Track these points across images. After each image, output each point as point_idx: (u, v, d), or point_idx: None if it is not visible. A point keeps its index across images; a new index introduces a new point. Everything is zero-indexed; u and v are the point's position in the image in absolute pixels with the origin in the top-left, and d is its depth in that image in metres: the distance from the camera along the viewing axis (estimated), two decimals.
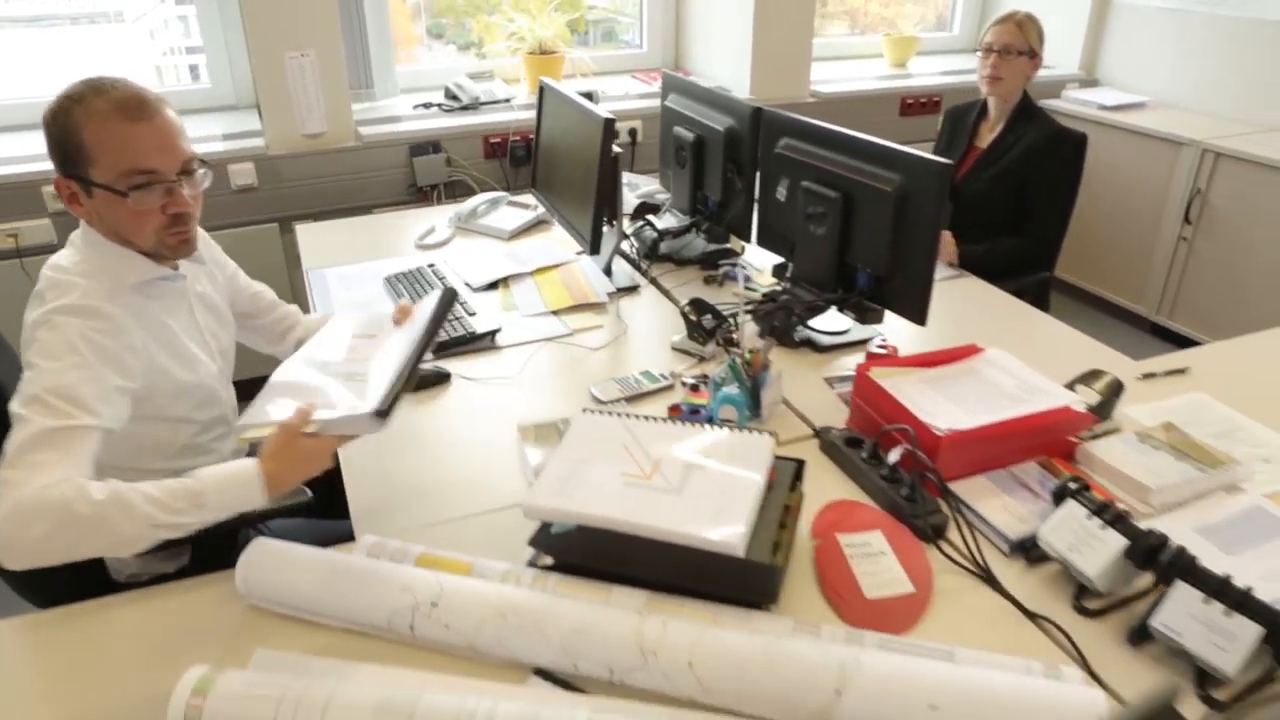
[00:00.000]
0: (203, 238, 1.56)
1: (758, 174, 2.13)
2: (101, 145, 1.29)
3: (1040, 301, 2.54)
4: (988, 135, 2.62)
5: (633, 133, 3.38)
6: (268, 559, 1.22)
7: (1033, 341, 2.08)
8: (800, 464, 1.37)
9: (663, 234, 2.36)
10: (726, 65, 3.71)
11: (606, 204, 2.07)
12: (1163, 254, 3.70)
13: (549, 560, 1.26)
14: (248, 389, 1.43)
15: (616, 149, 2.11)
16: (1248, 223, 3.39)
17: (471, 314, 2.04)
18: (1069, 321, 2.15)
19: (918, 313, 1.82)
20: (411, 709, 1.00)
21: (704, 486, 1.21)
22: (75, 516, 1.11)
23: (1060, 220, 2.57)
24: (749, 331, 1.71)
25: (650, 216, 2.46)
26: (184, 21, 3.34)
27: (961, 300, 2.28)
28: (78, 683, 1.14)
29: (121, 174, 1.31)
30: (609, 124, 1.97)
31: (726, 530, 1.11)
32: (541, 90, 2.47)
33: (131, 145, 1.30)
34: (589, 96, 3.27)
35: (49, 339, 1.25)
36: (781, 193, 2.05)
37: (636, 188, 2.77)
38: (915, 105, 3.90)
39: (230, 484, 1.20)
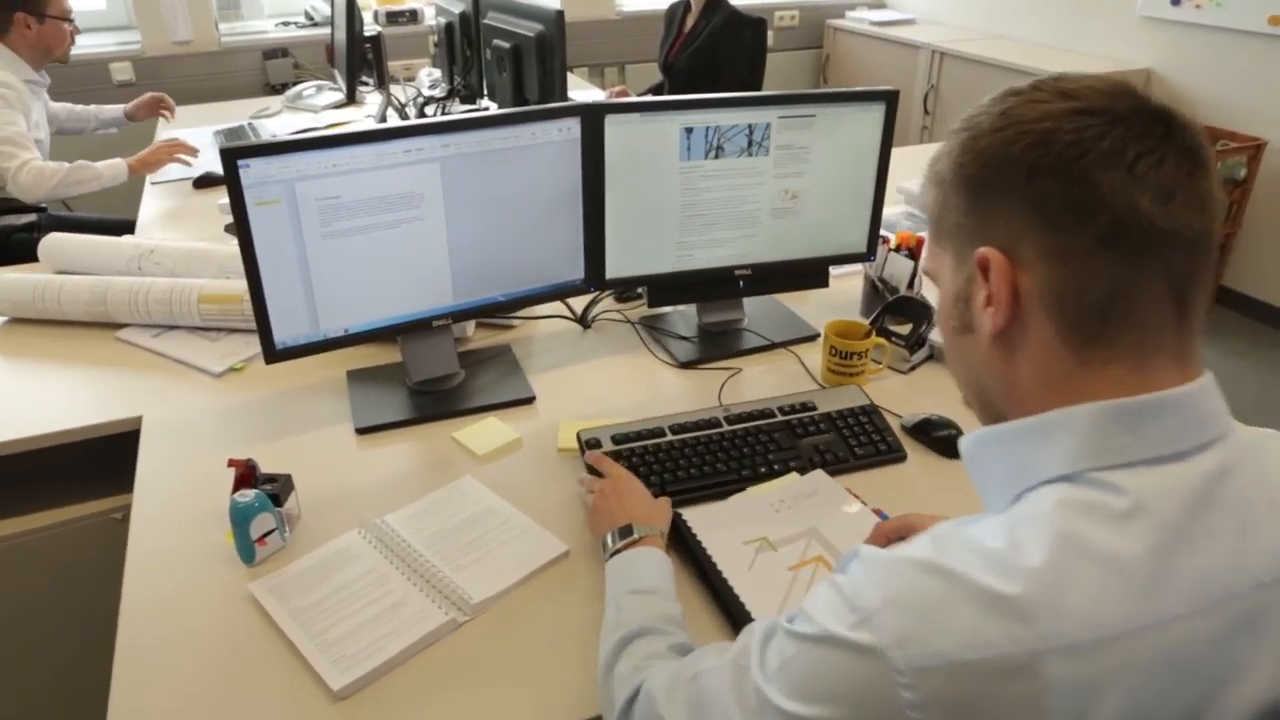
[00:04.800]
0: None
1: (481, 44, 2.88)
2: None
3: None
4: (689, 23, 3.37)
5: None
6: (59, 242, 1.98)
7: None
8: None
9: (428, 99, 3.11)
10: None
11: (359, 66, 2.81)
12: (911, 142, 4.45)
13: None
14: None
15: (376, 29, 2.87)
16: (961, 108, 4.14)
17: None
18: None
19: None
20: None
21: None
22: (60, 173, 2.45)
23: (744, 83, 3.32)
24: None
25: (426, 89, 3.21)
26: None
27: None
28: None
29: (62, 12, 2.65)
30: (350, 4, 2.72)
31: None
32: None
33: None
34: (413, 15, 4.04)
35: None
36: (488, 54, 2.80)
37: (433, 73, 3.51)
38: None
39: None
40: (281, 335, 1.32)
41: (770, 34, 4.16)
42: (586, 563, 1.16)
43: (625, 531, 1.08)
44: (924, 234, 1.87)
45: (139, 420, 1.44)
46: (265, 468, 1.22)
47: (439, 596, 1.08)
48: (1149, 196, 0.61)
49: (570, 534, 1.20)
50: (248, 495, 1.12)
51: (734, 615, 1.04)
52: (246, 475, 1.18)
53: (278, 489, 1.17)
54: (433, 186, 1.33)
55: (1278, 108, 3.36)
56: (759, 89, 3.42)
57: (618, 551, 1.06)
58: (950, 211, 0.71)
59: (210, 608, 1.08)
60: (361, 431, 1.41)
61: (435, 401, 1.47)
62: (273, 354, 1.32)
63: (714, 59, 3.27)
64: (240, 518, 1.11)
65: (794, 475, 1.30)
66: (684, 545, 1.15)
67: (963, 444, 0.74)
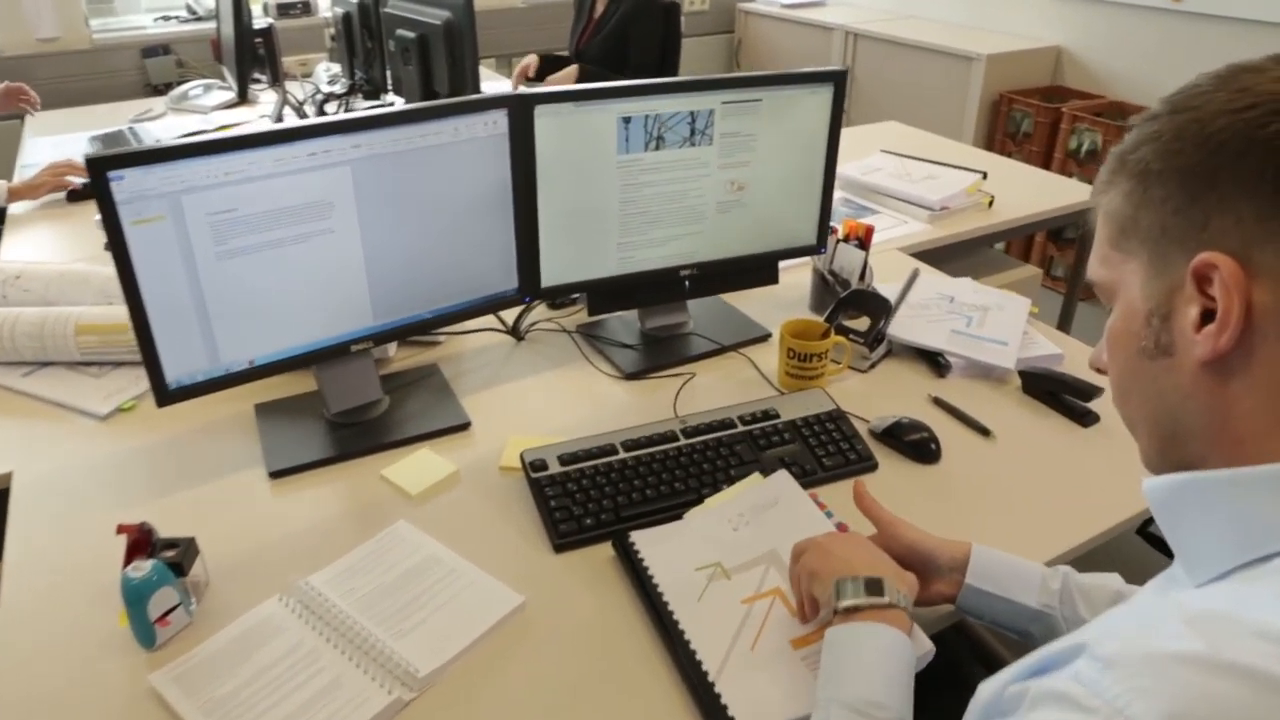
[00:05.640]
0: None
1: (383, 35, 2.68)
2: None
3: None
4: (599, 8, 3.22)
5: None
6: None
7: None
8: None
9: (328, 96, 2.90)
10: None
11: (250, 62, 2.59)
12: None
13: None
14: None
15: (268, 22, 2.64)
16: (883, 91, 4.10)
17: None
18: None
19: None
20: None
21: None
22: None
23: (655, 71, 3.19)
24: None
25: (325, 85, 2.99)
26: None
27: None
28: None
29: None
30: (236, 2, 2.50)
31: None
32: None
33: None
34: (306, 6, 3.80)
35: None
36: (391, 45, 2.60)
37: (330, 69, 3.29)
38: None
39: None
40: (175, 373, 1.14)
41: (681, 20, 4.05)
42: (546, 612, 1.03)
43: (874, 587, 0.85)
44: (875, 221, 1.78)
45: (8, 478, 1.24)
46: (165, 529, 1.04)
47: (380, 671, 0.93)
48: None
49: (524, 580, 1.06)
50: (143, 568, 0.95)
51: (678, 652, 0.94)
52: (141, 542, 1.01)
53: (180, 556, 1.00)
54: (344, 193, 1.16)
55: (1181, 81, 3.39)
56: (675, 70, 3.29)
57: (855, 610, 0.84)
58: (1150, 209, 0.60)
59: (102, 707, 0.91)
60: (276, 475, 1.24)
61: (358, 435, 1.31)
62: (165, 395, 1.14)
63: (626, 45, 3.13)
64: (134, 596, 0.94)
65: (756, 476, 1.19)
66: (631, 572, 1.05)
67: (1154, 488, 0.63)
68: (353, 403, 1.34)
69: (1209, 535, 0.58)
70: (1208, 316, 0.56)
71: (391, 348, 1.51)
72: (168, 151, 1.03)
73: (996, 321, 1.61)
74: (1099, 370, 0.71)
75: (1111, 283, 0.65)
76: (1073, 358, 1.53)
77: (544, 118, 1.28)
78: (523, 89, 2.70)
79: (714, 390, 1.45)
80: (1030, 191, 2.32)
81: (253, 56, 2.89)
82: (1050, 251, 3.56)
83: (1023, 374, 1.46)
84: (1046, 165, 3.47)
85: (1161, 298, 0.60)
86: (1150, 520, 1.25)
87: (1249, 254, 0.54)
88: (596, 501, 1.16)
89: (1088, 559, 1.17)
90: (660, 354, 1.54)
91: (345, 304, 1.23)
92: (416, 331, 1.34)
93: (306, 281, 1.18)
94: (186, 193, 1.06)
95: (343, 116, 1.13)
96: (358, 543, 1.11)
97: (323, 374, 1.31)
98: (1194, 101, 0.59)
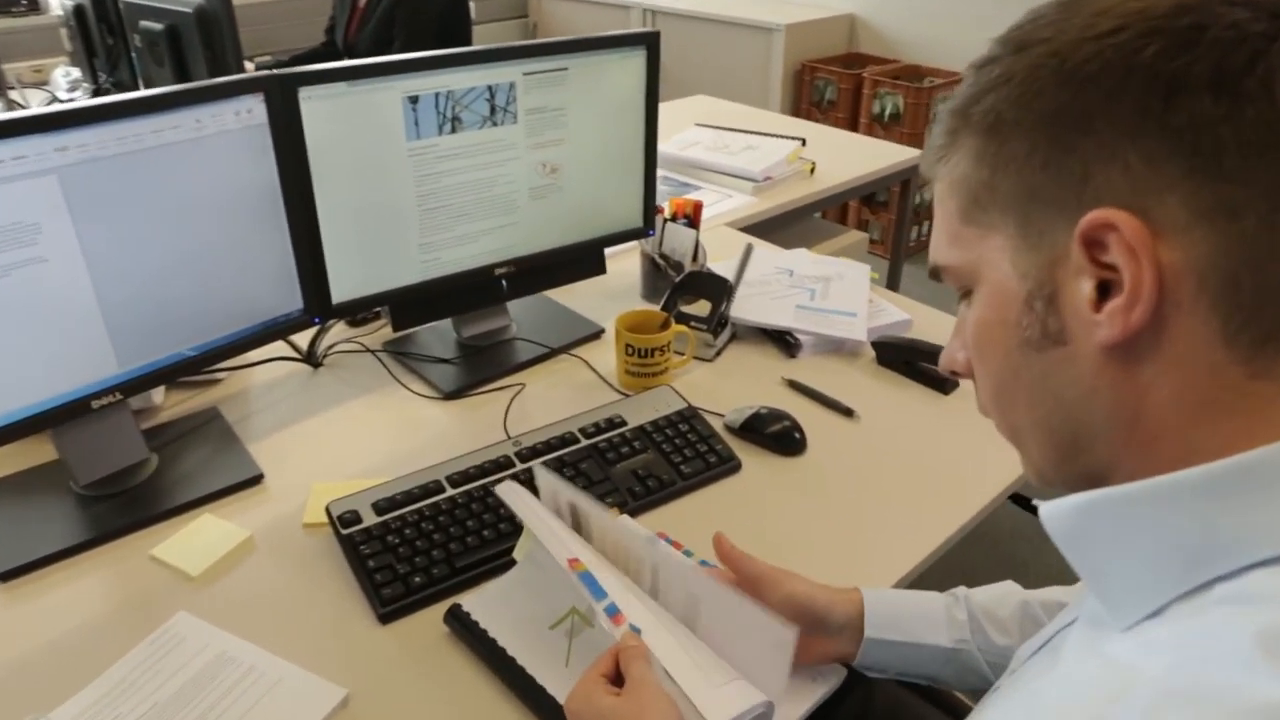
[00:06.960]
0: None
1: (125, 29, 2.33)
2: None
3: None
4: None
5: None
6: None
7: None
8: None
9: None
10: None
11: None
12: None
13: None
14: None
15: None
16: (687, 67, 4.03)
17: None
18: None
19: None
20: None
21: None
22: None
23: None
24: None
25: (64, 93, 2.60)
26: None
27: None
28: None
29: None
30: None
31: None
32: None
33: None
34: (32, 3, 3.32)
35: None
36: (137, 40, 2.26)
37: (70, 73, 2.86)
38: None
39: None
40: None
41: (472, 5, 3.82)
42: (376, 704, 0.83)
43: None
44: (699, 197, 1.66)
45: None
46: None
47: None
48: None
49: (346, 666, 0.86)
50: None
51: None
52: None
53: None
54: (53, 210, 0.91)
55: (978, 42, 3.49)
56: None
57: None
58: (1010, 169, 0.48)
59: None
60: (6, 577, 0.98)
61: (120, 508, 1.06)
62: None
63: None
64: None
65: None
66: (479, 648, 0.88)
67: (1055, 517, 0.50)
68: (109, 468, 1.08)
69: (1133, 565, 0.46)
70: (1103, 289, 0.45)
71: (157, 393, 1.25)
72: None
73: (840, 292, 1.52)
74: (955, 374, 0.59)
75: (969, 265, 0.53)
76: (920, 321, 1.46)
77: (311, 101, 1.06)
78: None
79: (549, 401, 1.29)
80: (847, 156, 2.28)
81: None
82: (865, 216, 3.59)
83: (876, 345, 1.38)
84: (853, 131, 3.49)
85: (1042, 274, 0.48)
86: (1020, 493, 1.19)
87: (1145, 206, 0.43)
88: (424, 554, 0.97)
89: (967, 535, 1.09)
90: (482, 366, 1.35)
91: (76, 350, 0.98)
92: (182, 373, 1.10)
93: (16, 327, 0.92)
94: None
95: (35, 111, 0.88)
96: (123, 652, 0.88)
97: (62, 439, 1.05)
98: (1043, 33, 0.47)
